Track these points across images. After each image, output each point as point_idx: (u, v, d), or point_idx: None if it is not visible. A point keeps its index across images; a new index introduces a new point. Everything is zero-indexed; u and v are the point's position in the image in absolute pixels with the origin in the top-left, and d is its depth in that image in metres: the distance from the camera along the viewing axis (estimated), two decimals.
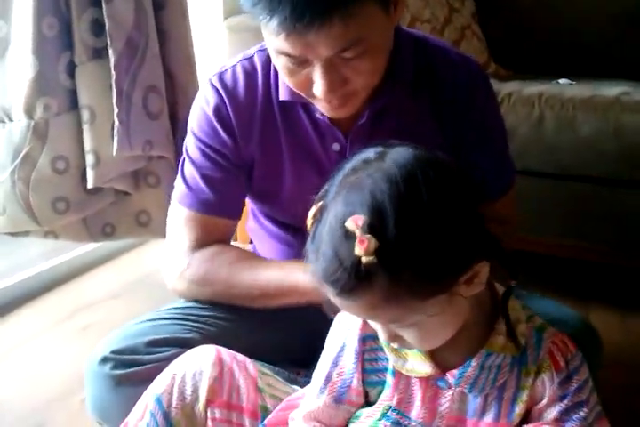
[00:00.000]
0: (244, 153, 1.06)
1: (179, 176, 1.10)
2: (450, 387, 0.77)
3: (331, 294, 0.67)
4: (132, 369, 0.95)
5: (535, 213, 1.64)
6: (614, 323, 1.58)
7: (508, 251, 0.74)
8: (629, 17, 2.05)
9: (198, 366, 0.87)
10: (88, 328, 1.55)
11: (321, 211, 0.69)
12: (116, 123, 1.45)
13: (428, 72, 1.04)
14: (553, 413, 0.77)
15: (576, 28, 2.07)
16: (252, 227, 1.24)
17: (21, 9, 1.36)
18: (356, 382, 0.80)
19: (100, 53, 1.47)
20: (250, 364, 0.90)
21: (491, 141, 1.11)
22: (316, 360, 0.85)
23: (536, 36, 2.13)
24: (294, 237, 1.11)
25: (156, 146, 1.56)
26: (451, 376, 0.77)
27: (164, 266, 1.10)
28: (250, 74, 1.05)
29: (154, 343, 0.98)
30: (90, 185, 1.50)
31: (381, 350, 0.79)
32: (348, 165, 0.70)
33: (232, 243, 1.14)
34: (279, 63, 0.91)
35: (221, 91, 1.05)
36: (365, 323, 0.78)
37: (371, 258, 0.62)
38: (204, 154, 1.06)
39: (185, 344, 0.97)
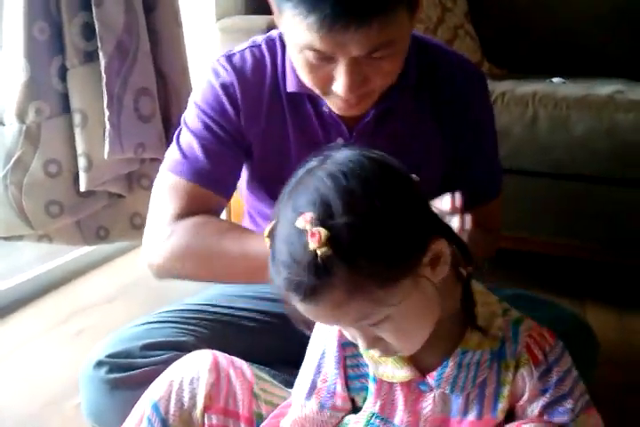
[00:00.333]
0: (247, 133, 1.05)
1: (172, 146, 1.07)
2: (431, 389, 0.77)
3: (297, 303, 0.67)
4: (127, 373, 0.95)
5: (529, 212, 1.64)
6: (610, 321, 1.59)
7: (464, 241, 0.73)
8: (622, 15, 2.05)
9: (195, 371, 0.86)
10: (83, 332, 1.54)
11: (273, 227, 0.69)
12: (108, 126, 1.44)
13: (429, 73, 1.04)
14: (537, 408, 0.76)
15: (569, 27, 2.07)
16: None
17: (12, 13, 1.36)
18: (339, 389, 0.80)
19: (91, 57, 1.47)
20: (247, 369, 0.90)
21: (485, 143, 1.12)
22: None
23: (529, 34, 2.13)
24: None
25: (149, 148, 1.56)
26: (431, 378, 0.76)
27: (144, 237, 1.05)
28: (259, 60, 1.04)
29: (149, 347, 0.97)
30: (82, 188, 1.50)
31: (362, 355, 0.79)
32: (294, 179, 0.70)
33: None
34: (300, 58, 0.91)
35: (230, 70, 1.04)
36: None
37: (325, 249, 0.62)
38: (205, 126, 1.04)
39: (180, 347, 0.96)
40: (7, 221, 1.45)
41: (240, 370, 0.89)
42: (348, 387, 0.80)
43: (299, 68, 0.94)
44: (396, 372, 0.77)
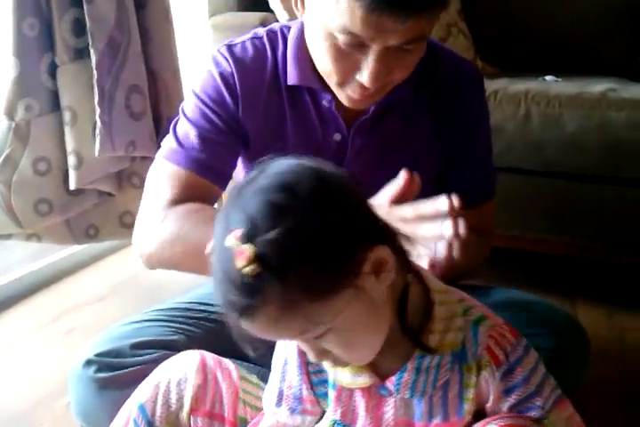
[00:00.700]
0: (244, 124, 1.04)
1: (169, 135, 1.06)
2: (391, 394, 0.75)
3: (236, 321, 0.65)
4: (116, 372, 0.94)
5: (520, 209, 1.64)
6: (601, 319, 1.59)
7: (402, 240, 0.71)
8: (615, 13, 2.06)
9: (183, 372, 0.85)
10: (73, 331, 1.53)
11: (212, 248, 0.67)
12: (99, 123, 1.44)
13: (429, 72, 1.04)
14: (505, 408, 0.74)
15: (563, 26, 2.07)
16: None
17: (1, 9, 1.35)
18: (306, 393, 0.79)
19: (81, 54, 1.46)
20: (234, 370, 0.89)
21: (480, 144, 1.12)
22: None
23: (522, 32, 2.13)
24: None
25: (140, 146, 1.55)
26: (390, 384, 0.74)
27: (137, 223, 1.04)
28: (260, 51, 1.04)
29: (138, 346, 0.97)
30: (72, 186, 1.49)
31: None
32: (230, 195, 0.68)
33: None
34: (327, 45, 0.90)
35: (230, 60, 1.03)
36: None
37: (253, 267, 0.60)
38: (203, 115, 1.04)
39: (170, 346, 0.96)
40: None
41: (227, 372, 0.88)
42: (314, 392, 0.79)
43: (322, 55, 0.93)
44: (355, 378, 0.75)
